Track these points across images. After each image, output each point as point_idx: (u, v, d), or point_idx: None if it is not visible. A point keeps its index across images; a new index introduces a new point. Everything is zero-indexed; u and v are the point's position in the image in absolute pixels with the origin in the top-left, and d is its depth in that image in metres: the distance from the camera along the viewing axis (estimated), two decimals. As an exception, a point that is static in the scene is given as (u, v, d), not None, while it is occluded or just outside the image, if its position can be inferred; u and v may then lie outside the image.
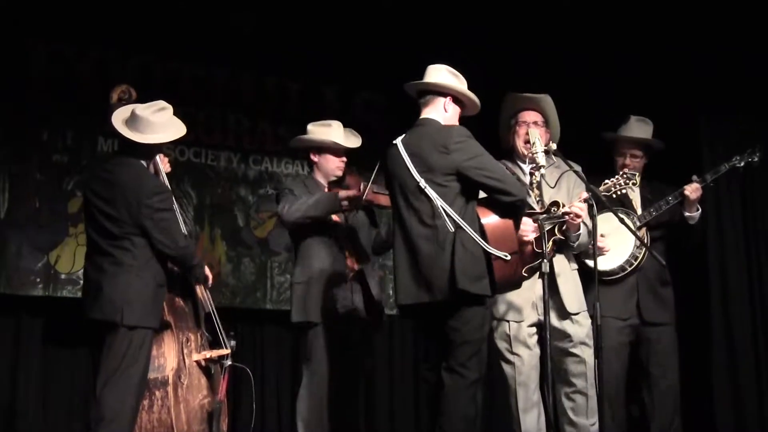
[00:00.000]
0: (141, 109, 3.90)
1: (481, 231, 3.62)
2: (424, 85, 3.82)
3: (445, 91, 3.81)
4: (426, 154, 3.65)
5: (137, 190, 3.83)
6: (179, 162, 5.91)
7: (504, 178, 3.63)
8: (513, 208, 3.66)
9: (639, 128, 4.64)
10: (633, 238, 4.33)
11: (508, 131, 4.28)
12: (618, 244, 4.33)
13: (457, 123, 3.83)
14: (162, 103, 3.96)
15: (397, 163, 3.73)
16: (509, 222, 3.65)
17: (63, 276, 5.57)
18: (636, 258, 4.40)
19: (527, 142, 4.00)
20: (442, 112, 3.79)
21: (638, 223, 4.40)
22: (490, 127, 4.33)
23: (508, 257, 3.59)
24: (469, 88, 3.87)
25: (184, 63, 6.02)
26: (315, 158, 4.61)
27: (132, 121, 3.89)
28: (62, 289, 5.55)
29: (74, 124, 5.71)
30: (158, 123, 3.89)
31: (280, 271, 6.15)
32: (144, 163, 3.99)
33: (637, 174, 4.01)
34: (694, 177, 4.45)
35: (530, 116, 4.20)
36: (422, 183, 3.63)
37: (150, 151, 4.01)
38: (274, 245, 6.14)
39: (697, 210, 4.45)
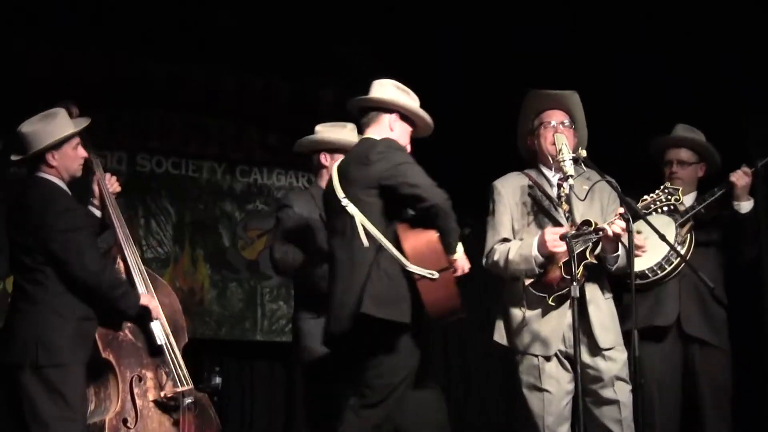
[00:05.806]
0: (25, 125, 3.70)
1: (401, 249, 3.44)
2: (365, 101, 3.69)
3: (391, 107, 3.67)
4: (350, 169, 3.59)
5: (43, 211, 3.62)
6: (156, 174, 5.71)
7: (420, 183, 3.46)
8: (429, 215, 3.46)
9: (684, 131, 4.53)
10: (672, 240, 4.09)
11: (530, 135, 4.00)
12: (655, 245, 4.04)
13: (408, 144, 3.72)
14: (48, 111, 3.75)
15: (329, 189, 3.69)
16: (433, 236, 3.45)
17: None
18: (670, 263, 4.22)
19: (554, 144, 3.77)
20: (387, 131, 3.66)
21: (680, 219, 4.26)
22: (508, 134, 4.15)
23: (435, 275, 3.38)
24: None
25: (158, 60, 5.80)
26: (326, 161, 4.33)
27: (23, 140, 3.70)
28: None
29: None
30: (43, 131, 3.66)
31: (271, 297, 6.02)
32: (56, 180, 3.73)
33: (680, 189, 3.79)
34: (744, 166, 4.26)
35: (555, 116, 3.91)
36: (344, 201, 3.54)
37: (46, 161, 3.70)
38: (265, 268, 5.85)
39: (749, 199, 4.28)
